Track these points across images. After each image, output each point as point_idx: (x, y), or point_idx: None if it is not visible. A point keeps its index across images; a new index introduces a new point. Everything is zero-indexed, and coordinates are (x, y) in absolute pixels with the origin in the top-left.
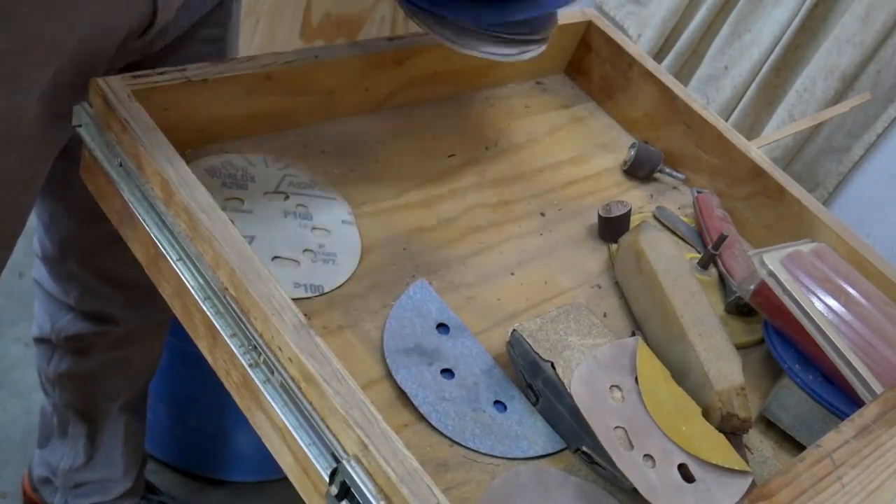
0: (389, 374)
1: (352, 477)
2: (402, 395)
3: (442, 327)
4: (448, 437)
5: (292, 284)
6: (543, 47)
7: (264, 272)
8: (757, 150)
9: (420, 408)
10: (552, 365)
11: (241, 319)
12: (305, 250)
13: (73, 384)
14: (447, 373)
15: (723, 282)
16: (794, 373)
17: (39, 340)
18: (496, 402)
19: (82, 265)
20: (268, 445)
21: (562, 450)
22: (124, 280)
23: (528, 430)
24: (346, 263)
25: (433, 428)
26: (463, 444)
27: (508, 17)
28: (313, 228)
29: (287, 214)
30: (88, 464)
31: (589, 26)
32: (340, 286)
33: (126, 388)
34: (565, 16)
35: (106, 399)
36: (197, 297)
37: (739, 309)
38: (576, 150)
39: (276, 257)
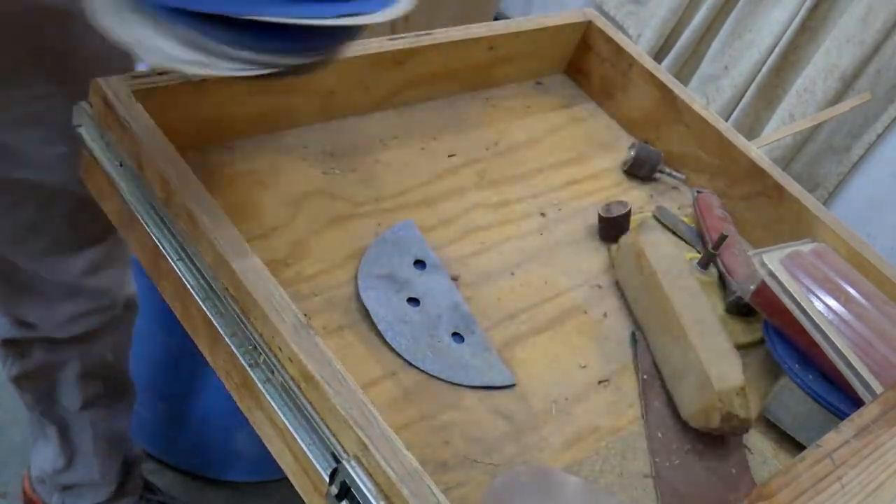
0: (390, 374)
1: (352, 477)
2: (403, 395)
3: (419, 264)
4: (400, 355)
5: None
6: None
7: (264, 272)
8: (757, 150)
9: (378, 325)
10: None
11: (241, 319)
12: None
13: (30, 386)
14: (413, 301)
15: (723, 282)
16: (794, 373)
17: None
18: (454, 334)
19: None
20: (268, 445)
21: (510, 386)
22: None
23: (479, 363)
24: None
25: (433, 427)
26: (413, 363)
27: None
28: None
29: None
30: (70, 466)
31: (589, 26)
32: (338, 287)
33: (78, 389)
34: (565, 16)
35: (62, 399)
36: (197, 298)
37: (739, 309)
38: (576, 150)
39: None
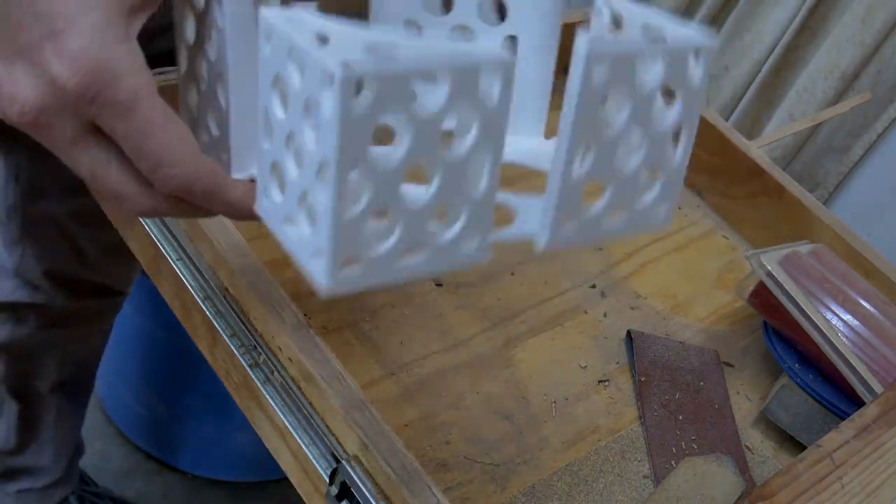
0: (390, 374)
1: (352, 477)
2: (403, 395)
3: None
4: None
5: None
6: None
7: (264, 272)
8: (757, 150)
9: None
10: None
11: (241, 319)
12: None
13: (8, 356)
14: None
15: None
16: (794, 373)
17: None
18: None
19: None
20: (268, 445)
21: None
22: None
23: None
24: None
25: (433, 427)
26: None
27: None
28: None
29: None
30: (21, 448)
31: None
32: None
33: (56, 370)
34: (565, 15)
35: (38, 378)
36: (197, 297)
37: None
38: None
39: None
